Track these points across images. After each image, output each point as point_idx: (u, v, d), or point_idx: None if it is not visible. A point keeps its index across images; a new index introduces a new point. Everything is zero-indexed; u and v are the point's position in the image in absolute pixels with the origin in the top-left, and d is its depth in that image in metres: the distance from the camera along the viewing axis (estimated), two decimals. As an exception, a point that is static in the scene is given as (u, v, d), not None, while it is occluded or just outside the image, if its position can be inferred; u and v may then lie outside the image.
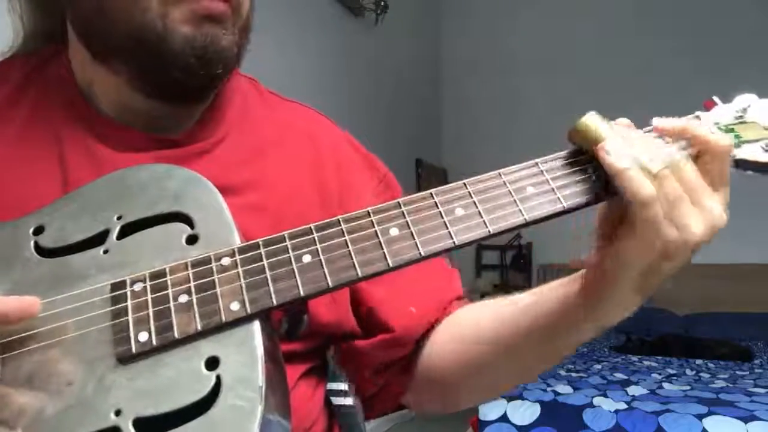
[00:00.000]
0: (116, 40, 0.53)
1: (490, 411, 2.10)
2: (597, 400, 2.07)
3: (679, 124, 0.47)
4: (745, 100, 0.52)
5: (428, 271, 0.64)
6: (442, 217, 0.45)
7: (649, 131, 0.49)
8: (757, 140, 0.49)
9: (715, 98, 0.53)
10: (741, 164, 0.49)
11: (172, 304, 0.43)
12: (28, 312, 0.42)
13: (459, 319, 0.63)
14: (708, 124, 0.49)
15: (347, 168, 0.66)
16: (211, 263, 0.44)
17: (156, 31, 0.51)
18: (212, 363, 0.41)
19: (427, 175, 4.29)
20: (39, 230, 0.48)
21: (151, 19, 0.51)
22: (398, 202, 0.46)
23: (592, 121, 0.47)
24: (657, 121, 0.48)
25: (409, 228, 0.45)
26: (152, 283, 0.44)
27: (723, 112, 0.52)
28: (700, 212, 0.44)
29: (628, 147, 0.45)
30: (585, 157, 0.48)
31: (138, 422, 0.39)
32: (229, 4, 0.53)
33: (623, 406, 2.02)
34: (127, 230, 0.47)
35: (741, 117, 0.51)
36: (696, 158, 0.46)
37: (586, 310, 0.50)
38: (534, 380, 0.61)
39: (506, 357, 0.58)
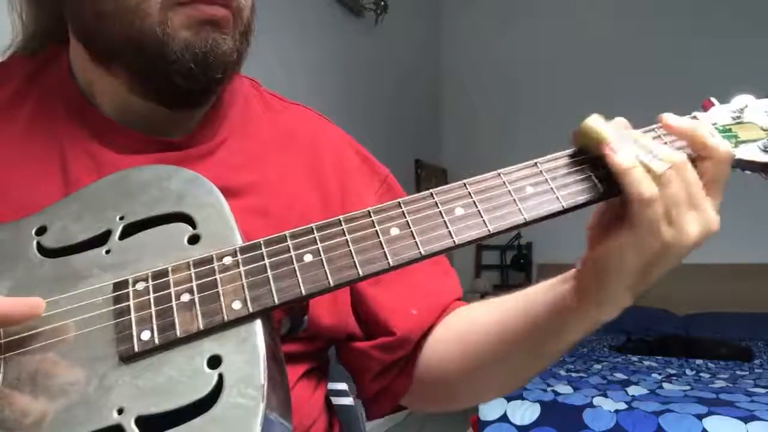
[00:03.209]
0: (115, 44, 0.53)
1: (490, 411, 2.10)
2: (597, 400, 2.06)
3: (686, 124, 0.48)
4: (743, 100, 0.53)
5: (429, 272, 0.64)
6: (442, 217, 0.46)
7: (649, 131, 0.50)
8: (754, 140, 0.50)
9: (713, 99, 0.53)
10: (739, 164, 0.49)
11: (174, 303, 0.43)
12: (32, 313, 0.42)
13: (462, 320, 0.63)
14: (707, 126, 0.49)
15: (349, 171, 0.66)
16: (212, 262, 0.44)
17: (156, 36, 0.51)
18: (214, 361, 0.41)
19: (427, 175, 4.29)
20: (41, 230, 0.48)
21: (151, 25, 0.51)
22: (398, 202, 0.46)
23: (595, 122, 0.47)
24: (666, 118, 0.49)
25: (410, 227, 0.45)
26: (154, 282, 0.44)
27: (720, 112, 0.52)
28: (697, 215, 0.45)
29: (632, 146, 0.45)
30: (583, 157, 0.48)
31: (140, 420, 0.39)
32: (230, 10, 0.53)
33: (623, 406, 2.02)
34: (129, 230, 0.47)
35: (738, 117, 0.51)
36: (693, 161, 0.46)
37: (579, 311, 0.51)
38: (529, 380, 0.62)
39: (503, 358, 0.58)
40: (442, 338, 0.63)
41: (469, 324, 0.62)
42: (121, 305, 0.43)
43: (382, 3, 3.50)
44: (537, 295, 0.55)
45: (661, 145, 0.46)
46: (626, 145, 0.45)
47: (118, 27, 0.52)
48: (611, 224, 0.47)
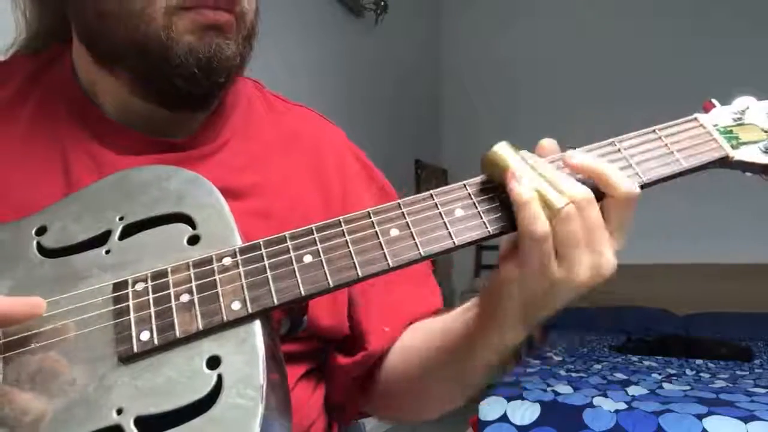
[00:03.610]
0: (119, 47, 0.53)
1: (490, 411, 2.10)
2: (597, 400, 2.07)
3: (589, 162, 0.45)
4: (744, 102, 0.53)
5: (411, 287, 0.65)
6: (442, 218, 0.46)
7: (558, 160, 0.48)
8: (755, 142, 0.50)
9: (714, 100, 0.53)
10: (740, 166, 0.49)
11: (173, 303, 0.43)
12: (33, 312, 0.42)
13: (409, 337, 0.64)
14: (610, 165, 0.46)
15: (349, 175, 0.66)
16: (212, 263, 0.44)
17: (160, 41, 0.51)
18: (213, 362, 0.41)
19: (427, 175, 4.29)
20: (41, 231, 0.48)
21: (155, 29, 0.51)
22: (398, 203, 0.46)
23: (503, 150, 0.45)
24: (570, 156, 0.46)
25: (410, 228, 0.45)
26: (154, 283, 0.44)
27: (722, 113, 0.52)
28: (590, 256, 0.43)
29: (536, 178, 0.44)
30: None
31: (139, 421, 0.39)
32: (234, 15, 0.53)
33: (623, 406, 2.02)
34: (129, 231, 0.47)
35: (740, 119, 0.51)
36: (602, 197, 0.45)
37: (482, 336, 0.51)
38: (461, 402, 0.63)
39: (431, 378, 0.59)
40: (392, 353, 0.64)
41: (412, 343, 0.63)
42: (121, 305, 0.43)
43: (382, 3, 3.50)
44: (454, 320, 0.56)
45: (567, 178, 0.44)
46: (531, 175, 0.43)
47: (122, 30, 0.52)
48: (512, 255, 0.46)
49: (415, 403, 0.65)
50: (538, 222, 0.42)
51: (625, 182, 0.44)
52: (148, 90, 0.55)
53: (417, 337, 0.63)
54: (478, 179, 0.48)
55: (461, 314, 0.55)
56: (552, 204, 0.42)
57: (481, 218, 0.46)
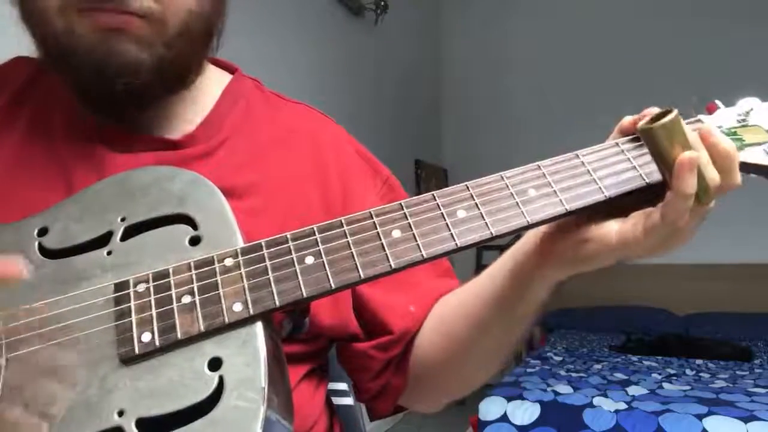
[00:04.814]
0: (45, 49, 0.53)
1: (490, 411, 2.10)
2: (597, 400, 2.07)
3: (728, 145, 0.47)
4: (748, 103, 0.52)
5: (427, 268, 0.65)
6: (444, 219, 0.45)
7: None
8: (759, 143, 0.49)
9: (718, 102, 0.53)
10: (743, 167, 0.49)
11: (175, 305, 0.43)
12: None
13: (441, 306, 0.64)
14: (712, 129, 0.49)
15: (350, 171, 0.66)
16: (214, 264, 0.44)
17: (59, 40, 0.50)
18: (215, 364, 0.41)
19: (427, 175, 4.28)
20: (43, 231, 0.48)
21: (54, 30, 0.50)
22: (400, 204, 0.46)
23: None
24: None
25: (412, 230, 0.45)
26: (155, 284, 0.44)
27: (725, 115, 0.52)
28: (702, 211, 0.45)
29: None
30: (586, 160, 0.48)
31: (141, 423, 0.39)
32: (135, 16, 0.50)
33: (623, 406, 2.02)
34: (130, 232, 0.47)
35: (744, 120, 0.51)
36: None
37: (541, 275, 0.52)
38: (510, 352, 0.62)
39: (483, 329, 0.59)
40: (427, 331, 0.63)
41: (448, 307, 0.63)
42: (122, 307, 0.43)
43: (382, 3, 3.49)
44: (503, 263, 0.57)
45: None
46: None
47: (36, 36, 0.52)
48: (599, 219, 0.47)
49: (457, 375, 0.64)
50: (692, 180, 0.43)
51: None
52: (73, 91, 0.55)
53: (452, 303, 0.62)
54: (480, 180, 0.47)
55: (507, 260, 0.56)
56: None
57: (484, 219, 0.46)
